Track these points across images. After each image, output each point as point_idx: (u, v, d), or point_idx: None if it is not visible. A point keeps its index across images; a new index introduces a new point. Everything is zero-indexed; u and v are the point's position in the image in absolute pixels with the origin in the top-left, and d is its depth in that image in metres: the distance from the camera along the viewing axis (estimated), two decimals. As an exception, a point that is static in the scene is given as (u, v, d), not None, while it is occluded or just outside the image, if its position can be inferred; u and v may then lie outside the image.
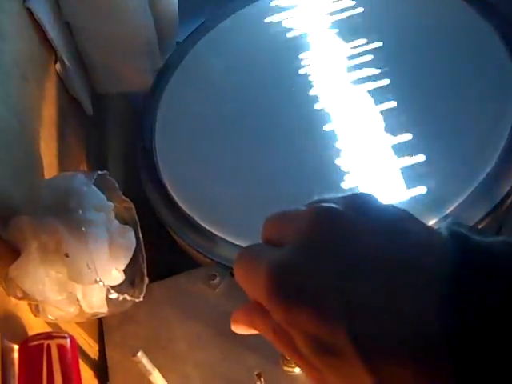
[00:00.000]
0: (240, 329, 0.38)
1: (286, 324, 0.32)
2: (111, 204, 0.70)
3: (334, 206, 0.34)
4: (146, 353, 0.70)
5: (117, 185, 0.72)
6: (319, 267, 0.31)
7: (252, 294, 0.35)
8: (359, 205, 0.34)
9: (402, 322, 0.29)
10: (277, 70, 0.98)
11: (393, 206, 0.35)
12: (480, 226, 0.76)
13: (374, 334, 0.29)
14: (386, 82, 0.88)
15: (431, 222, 0.76)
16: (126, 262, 0.70)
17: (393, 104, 0.86)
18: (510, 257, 0.29)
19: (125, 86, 1.01)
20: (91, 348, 0.80)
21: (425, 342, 0.28)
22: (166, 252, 1.05)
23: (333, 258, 0.31)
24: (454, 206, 0.77)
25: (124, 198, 0.74)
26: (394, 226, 0.33)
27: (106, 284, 0.65)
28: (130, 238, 0.71)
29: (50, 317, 0.68)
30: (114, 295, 0.66)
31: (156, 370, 0.70)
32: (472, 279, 0.28)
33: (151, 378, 0.70)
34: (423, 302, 0.29)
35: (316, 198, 0.36)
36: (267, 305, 0.33)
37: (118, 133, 1.10)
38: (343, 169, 0.83)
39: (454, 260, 0.29)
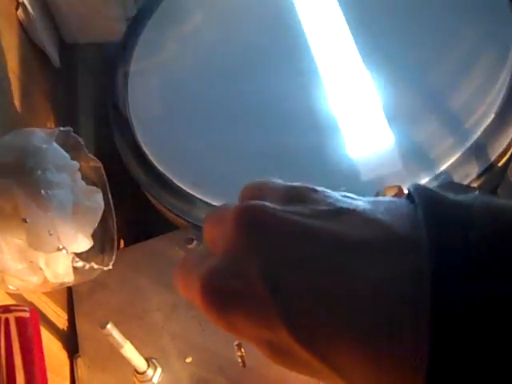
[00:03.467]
0: None
1: (236, 335, 0.29)
2: (76, 163, 0.64)
3: (259, 203, 0.30)
4: (119, 323, 0.65)
5: (82, 142, 0.66)
6: (247, 269, 0.28)
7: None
8: (299, 196, 0.31)
9: (347, 303, 0.26)
10: (260, 22, 0.91)
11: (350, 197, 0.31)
12: (475, 185, 0.71)
13: (313, 323, 0.26)
14: (377, 35, 0.82)
15: (424, 181, 0.71)
16: (94, 226, 0.64)
17: (386, 60, 0.80)
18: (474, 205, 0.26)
19: (95, 36, 0.93)
20: (59, 318, 0.75)
21: (381, 320, 0.25)
22: (142, 214, 1.00)
23: (258, 257, 0.28)
24: (448, 163, 0.72)
25: (91, 156, 0.67)
26: (336, 211, 0.29)
27: (70, 251, 0.59)
28: (97, 201, 0.65)
29: (10, 287, 0.63)
30: (79, 263, 0.60)
31: (128, 343, 0.65)
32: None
33: (123, 351, 0.65)
34: (376, 275, 0.26)
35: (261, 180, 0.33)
36: (215, 323, 0.30)
37: (88, 86, 1.03)
38: (328, 125, 0.77)
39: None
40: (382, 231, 0.27)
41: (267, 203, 0.30)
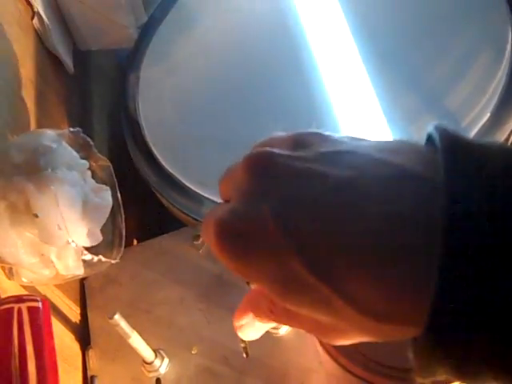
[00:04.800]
0: (246, 332, 0.38)
1: (249, 277, 0.31)
2: (85, 162, 0.68)
3: (267, 149, 0.32)
4: (129, 316, 0.68)
5: (92, 142, 0.69)
6: (258, 210, 0.30)
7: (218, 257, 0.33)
8: (303, 142, 0.32)
9: (360, 234, 0.27)
10: (269, 28, 0.94)
11: (350, 137, 0.32)
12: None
13: (326, 256, 0.28)
14: (375, 35, 0.84)
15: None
16: (102, 222, 0.67)
17: (384, 60, 0.82)
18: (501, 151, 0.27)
19: (107, 43, 0.97)
20: (72, 311, 0.78)
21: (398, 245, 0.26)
22: (153, 213, 1.03)
23: (269, 198, 0.30)
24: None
25: (100, 156, 0.71)
26: (338, 152, 0.31)
27: (79, 245, 0.63)
28: (105, 198, 0.68)
29: (24, 280, 0.66)
30: (87, 256, 0.63)
31: (135, 333, 0.68)
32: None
33: (130, 341, 0.68)
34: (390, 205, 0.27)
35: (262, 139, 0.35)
36: (227, 265, 0.31)
37: (102, 91, 1.07)
38: (334, 122, 0.80)
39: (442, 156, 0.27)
40: (390, 169, 0.28)
41: (274, 149, 0.32)
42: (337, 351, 0.59)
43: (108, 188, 0.70)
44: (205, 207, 0.81)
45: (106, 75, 1.08)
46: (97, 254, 0.67)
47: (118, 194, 0.72)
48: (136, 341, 0.69)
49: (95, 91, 1.06)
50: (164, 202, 0.86)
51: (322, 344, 0.61)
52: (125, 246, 0.72)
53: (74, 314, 0.78)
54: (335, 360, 0.59)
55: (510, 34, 0.79)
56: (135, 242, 1.00)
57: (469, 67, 0.79)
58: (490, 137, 0.75)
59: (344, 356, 0.58)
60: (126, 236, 0.74)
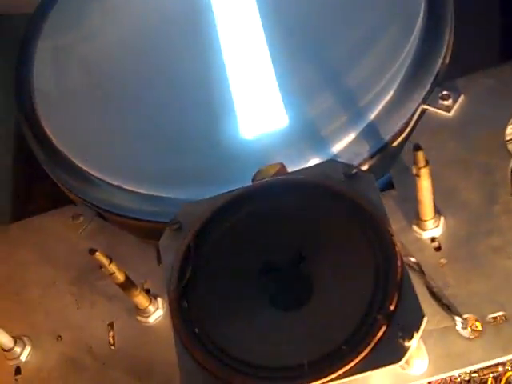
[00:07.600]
0: None
1: None
2: None
3: None
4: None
5: None
6: None
7: None
8: None
9: None
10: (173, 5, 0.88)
11: None
12: (367, 165, 0.68)
13: None
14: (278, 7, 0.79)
15: (315, 161, 0.68)
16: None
17: (285, 33, 0.77)
18: None
19: (6, 8, 0.91)
20: None
21: None
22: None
23: None
24: (340, 142, 0.69)
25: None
26: None
27: None
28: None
29: None
30: None
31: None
32: None
33: (-16, 327, 0.62)
34: None
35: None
36: None
37: (3, 58, 1.00)
38: (225, 98, 0.74)
39: None
40: None
41: None
42: (193, 343, 0.52)
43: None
44: (88, 185, 0.75)
45: (6, 42, 1.01)
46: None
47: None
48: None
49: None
50: (51, 177, 0.80)
51: (178, 334, 0.55)
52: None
53: None
54: (190, 353, 0.53)
55: (422, 7, 0.74)
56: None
57: (376, 41, 0.73)
58: (391, 117, 0.69)
59: (200, 350, 0.52)
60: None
